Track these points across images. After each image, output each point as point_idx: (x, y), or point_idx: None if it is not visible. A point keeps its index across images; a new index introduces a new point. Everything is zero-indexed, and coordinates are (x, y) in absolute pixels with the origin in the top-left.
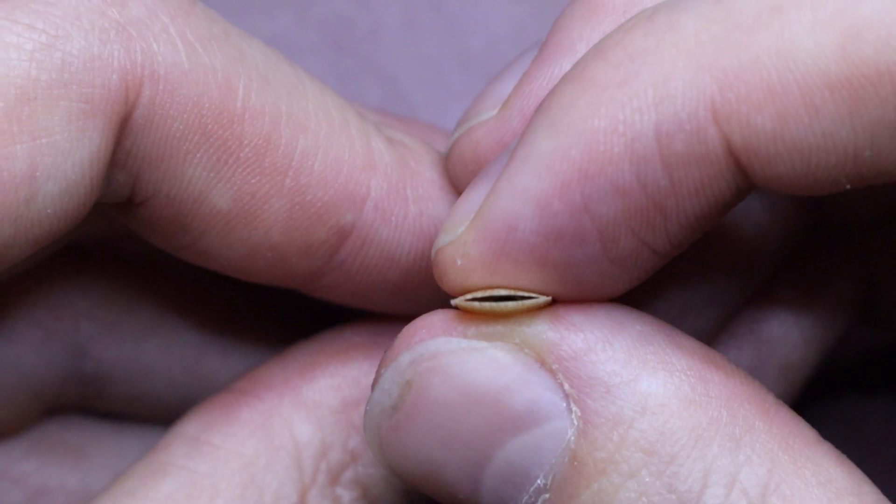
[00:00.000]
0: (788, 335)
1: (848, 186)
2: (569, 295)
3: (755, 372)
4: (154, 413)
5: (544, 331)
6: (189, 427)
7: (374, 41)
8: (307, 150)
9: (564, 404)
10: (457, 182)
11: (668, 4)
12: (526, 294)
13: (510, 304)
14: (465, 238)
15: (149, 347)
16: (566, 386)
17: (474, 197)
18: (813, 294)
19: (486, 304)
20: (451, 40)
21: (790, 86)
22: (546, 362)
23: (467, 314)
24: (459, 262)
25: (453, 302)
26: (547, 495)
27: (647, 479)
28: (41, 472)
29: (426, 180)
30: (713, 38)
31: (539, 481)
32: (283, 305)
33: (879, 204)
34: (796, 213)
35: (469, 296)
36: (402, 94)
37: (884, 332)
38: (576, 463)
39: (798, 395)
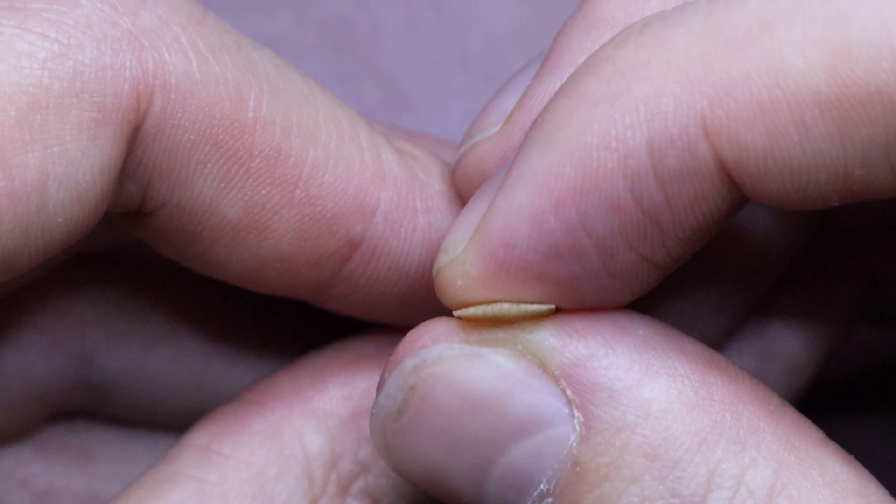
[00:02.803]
0: (792, 338)
1: (837, 203)
2: (571, 307)
3: (759, 375)
4: (160, 420)
5: (546, 337)
6: (199, 437)
7: (374, 41)
8: (317, 161)
9: (567, 410)
10: (463, 198)
11: (659, 18)
12: (528, 305)
13: (512, 310)
14: (465, 257)
15: (156, 357)
16: (569, 392)
17: (473, 214)
18: (816, 296)
19: (489, 311)
20: (451, 40)
21: (780, 103)
22: (548, 368)
23: (470, 321)
24: (460, 282)
25: (455, 313)
26: (550, 500)
27: (650, 484)
28: (47, 474)
29: (435, 192)
30: (703, 54)
31: (542, 486)
32: (292, 316)
33: (883, 205)
34: (801, 219)
35: (472, 308)
36: (402, 94)
37: (889, 331)
38: (578, 468)
39: (802, 398)
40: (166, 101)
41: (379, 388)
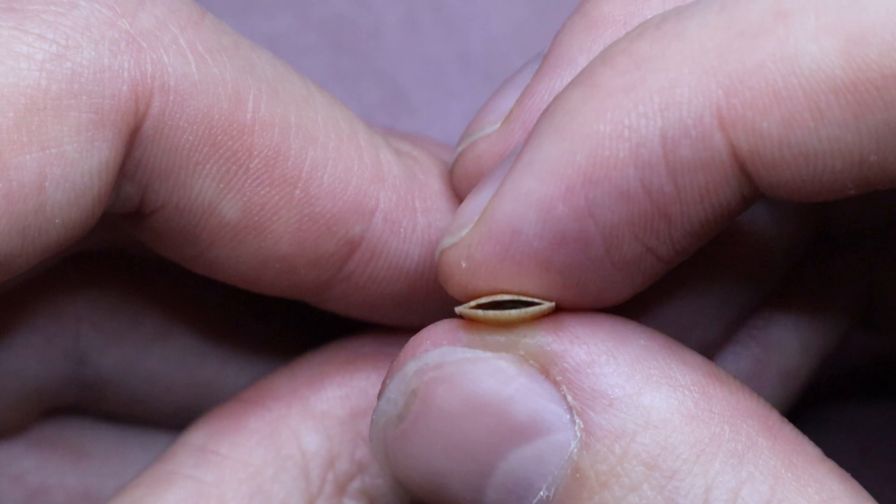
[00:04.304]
0: (788, 341)
1: (852, 192)
2: (573, 300)
3: (754, 377)
4: (154, 418)
5: (548, 342)
6: (196, 436)
7: (374, 41)
8: (316, 162)
9: (568, 416)
10: (461, 196)
11: (675, 13)
12: (530, 300)
13: (513, 313)
14: (470, 241)
15: (151, 357)
16: (569, 398)
17: (479, 200)
18: (813, 300)
19: (490, 313)
20: (451, 40)
21: (795, 91)
22: (550, 374)
23: (471, 323)
24: (464, 265)
25: (457, 310)
26: None
27: (648, 493)
28: (41, 470)
29: (434, 192)
30: (718, 45)
31: (542, 492)
32: (289, 316)
33: (882, 209)
34: (802, 222)
35: (473, 303)
36: (402, 94)
37: (886, 336)
38: (578, 475)
39: (796, 401)
40: (165, 103)
41: (380, 394)
